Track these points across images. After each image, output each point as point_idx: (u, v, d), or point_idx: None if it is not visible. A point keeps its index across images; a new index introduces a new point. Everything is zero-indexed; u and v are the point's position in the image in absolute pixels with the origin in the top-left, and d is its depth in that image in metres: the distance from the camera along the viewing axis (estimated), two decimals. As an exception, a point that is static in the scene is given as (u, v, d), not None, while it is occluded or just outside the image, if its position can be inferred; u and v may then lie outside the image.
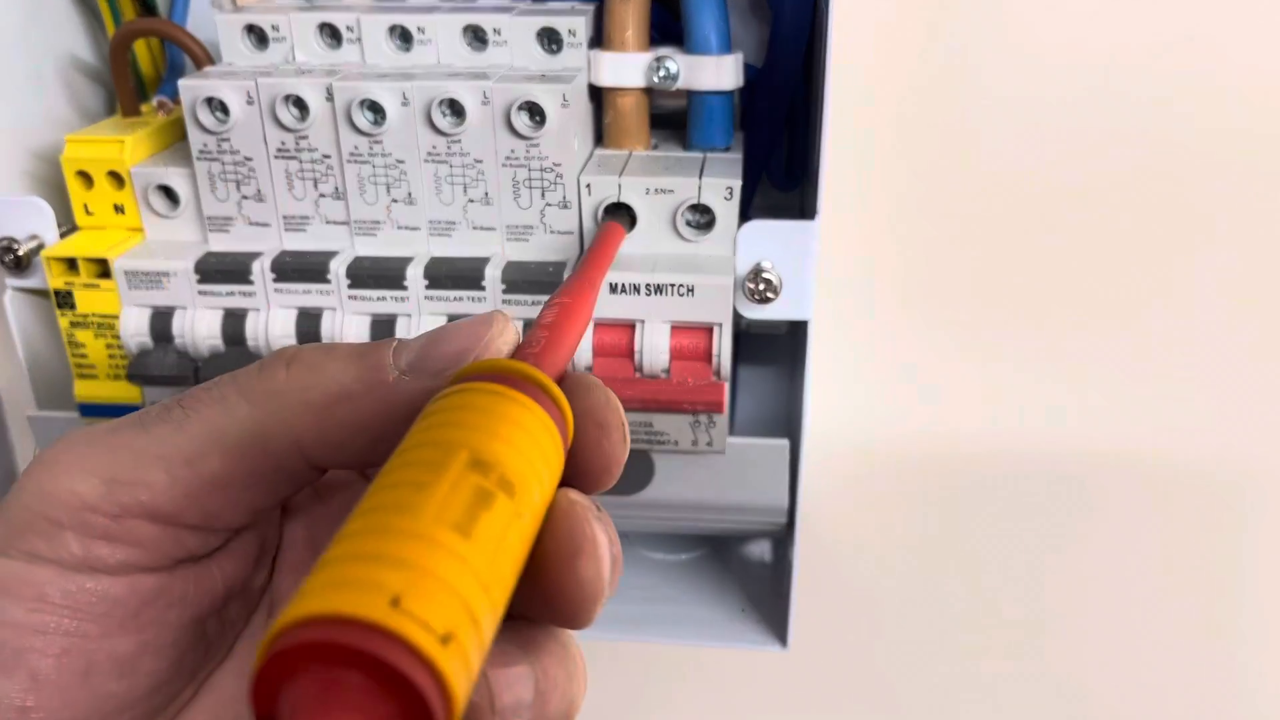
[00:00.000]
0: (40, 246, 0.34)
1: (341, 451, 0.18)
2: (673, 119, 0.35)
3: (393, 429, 0.17)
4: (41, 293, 0.35)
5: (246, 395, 0.17)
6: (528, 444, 0.16)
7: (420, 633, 0.12)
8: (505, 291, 0.31)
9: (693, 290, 0.31)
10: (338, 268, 0.32)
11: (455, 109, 0.30)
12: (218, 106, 0.31)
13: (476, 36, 0.32)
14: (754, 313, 0.32)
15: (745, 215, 0.32)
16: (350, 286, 0.32)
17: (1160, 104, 0.34)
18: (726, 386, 0.32)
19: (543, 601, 0.17)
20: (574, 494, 0.17)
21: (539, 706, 0.17)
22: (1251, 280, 0.36)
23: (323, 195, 0.32)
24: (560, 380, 0.19)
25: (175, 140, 0.35)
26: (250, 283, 0.32)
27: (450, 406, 0.16)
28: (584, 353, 0.32)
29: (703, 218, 0.32)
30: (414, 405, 0.17)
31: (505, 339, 0.18)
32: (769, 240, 0.31)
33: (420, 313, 0.32)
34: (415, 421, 0.16)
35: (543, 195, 0.31)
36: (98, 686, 0.17)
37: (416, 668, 0.12)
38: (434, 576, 0.13)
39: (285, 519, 0.21)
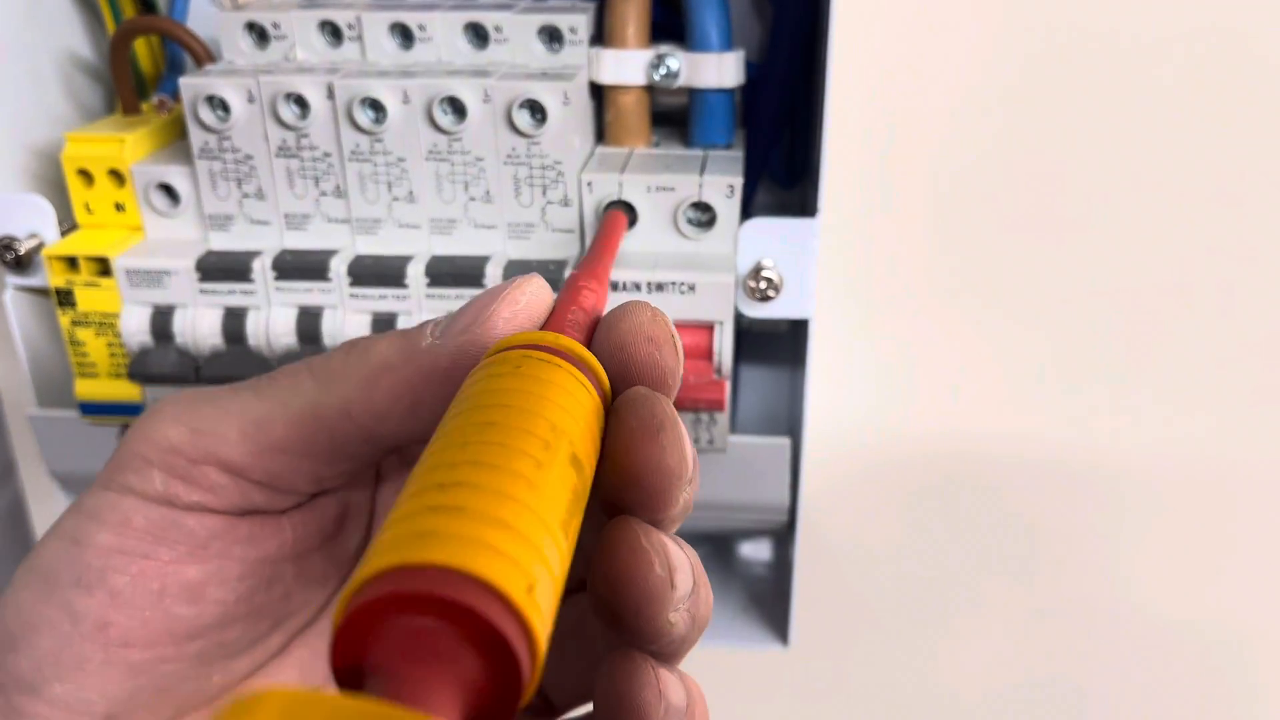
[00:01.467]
0: (41, 245, 0.34)
1: (387, 420, 0.19)
2: (674, 116, 0.35)
3: (428, 392, 0.19)
4: (42, 291, 0.35)
5: (313, 374, 0.20)
6: (587, 424, 0.16)
7: (511, 584, 0.12)
8: (506, 289, 0.31)
9: (694, 288, 0.31)
10: (339, 266, 0.32)
11: (456, 107, 0.30)
12: (218, 104, 0.31)
13: (477, 34, 0.32)
14: (755, 311, 0.32)
15: (747, 213, 0.32)
16: (351, 285, 0.32)
17: (1167, 101, 0.34)
18: (728, 384, 0.32)
19: (631, 485, 0.17)
20: (648, 388, 0.18)
21: (694, 600, 0.18)
22: (1257, 280, 0.36)
23: (323, 193, 0.32)
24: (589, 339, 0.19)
25: (176, 138, 0.35)
26: (251, 281, 0.32)
27: (519, 373, 0.16)
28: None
29: (704, 215, 0.32)
30: (442, 366, 0.19)
31: (524, 291, 0.19)
32: (770, 238, 0.31)
33: (421, 311, 0.32)
34: (477, 373, 0.17)
35: (544, 193, 0.31)
36: (169, 608, 0.19)
37: (506, 618, 0.12)
38: (517, 531, 0.13)
39: (380, 489, 0.23)
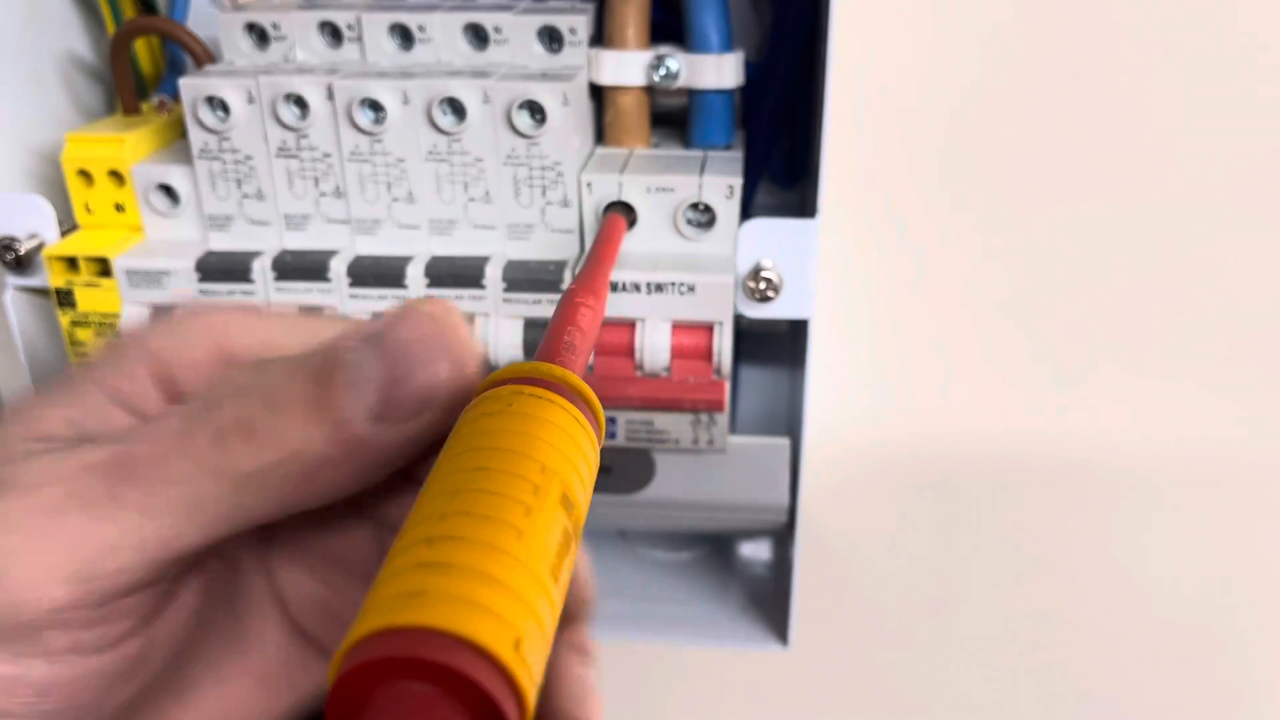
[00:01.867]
0: (41, 245, 0.34)
1: (347, 489, 0.17)
2: (674, 117, 0.35)
3: (382, 470, 0.16)
4: (42, 291, 0.35)
5: (212, 474, 0.15)
6: (579, 460, 0.16)
7: (499, 643, 0.12)
8: (506, 290, 0.31)
9: (693, 289, 0.31)
10: (338, 266, 0.32)
11: (456, 108, 0.30)
12: (218, 105, 0.31)
13: (477, 35, 0.32)
14: (755, 311, 0.32)
15: (747, 213, 0.32)
16: (351, 285, 0.32)
17: (1167, 101, 0.34)
18: (727, 385, 0.32)
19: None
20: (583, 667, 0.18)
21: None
22: (1254, 280, 0.36)
23: (323, 194, 0.32)
24: None
25: (176, 139, 0.35)
26: (251, 281, 0.32)
27: (510, 411, 0.16)
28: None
29: (703, 216, 0.32)
30: (401, 451, 0.16)
31: (458, 336, 0.16)
32: (769, 239, 0.31)
33: (421, 311, 0.32)
34: (469, 411, 0.16)
35: (543, 194, 0.31)
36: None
37: (494, 679, 0.12)
38: (505, 585, 0.13)
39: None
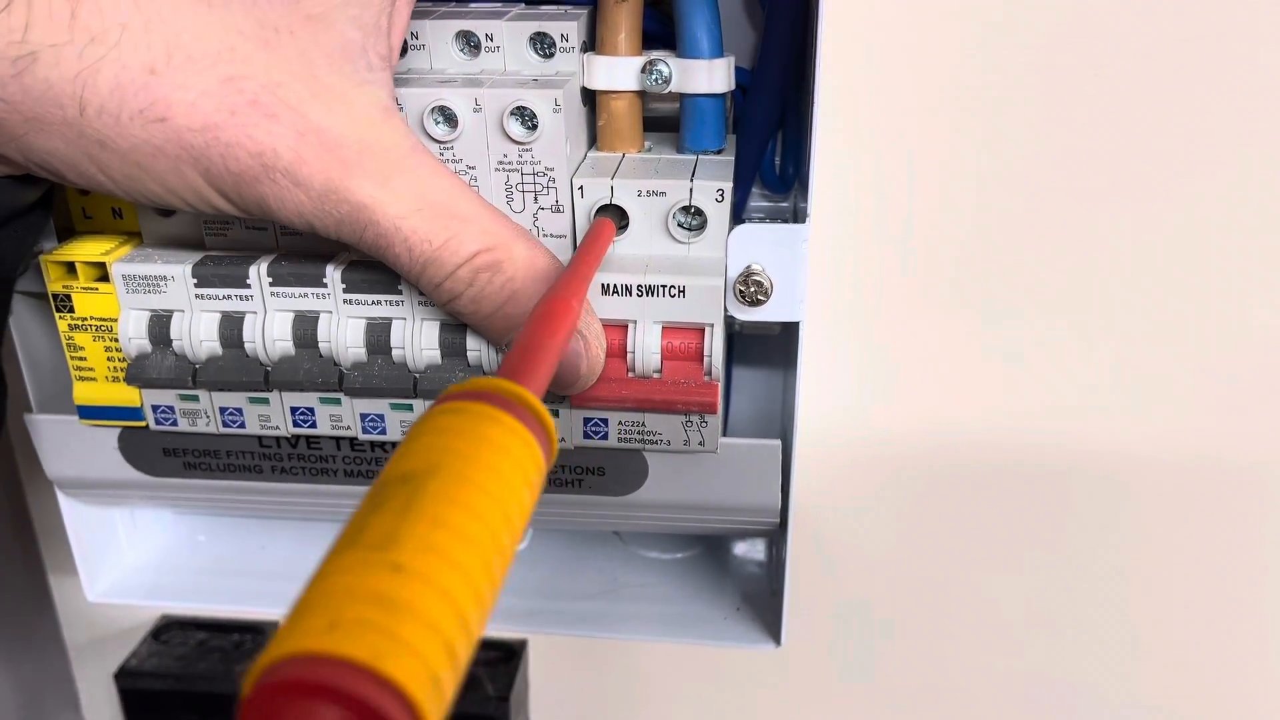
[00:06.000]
0: (39, 250, 0.34)
1: None
2: (667, 122, 0.35)
3: None
4: (40, 296, 0.36)
5: None
6: (523, 486, 0.17)
7: (417, 683, 0.13)
8: (499, 294, 0.31)
9: (684, 291, 0.31)
10: (333, 273, 0.32)
11: (447, 116, 0.31)
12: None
13: (469, 42, 0.32)
14: (746, 315, 0.32)
15: (740, 218, 0.32)
16: (345, 291, 0.32)
17: (1160, 102, 0.34)
18: (719, 387, 0.32)
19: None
20: None
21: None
22: (1251, 276, 0.36)
23: (318, 199, 0.32)
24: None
25: (172, 145, 0.35)
26: (247, 286, 0.32)
27: (465, 431, 0.17)
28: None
29: (694, 219, 0.32)
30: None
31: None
32: (760, 244, 0.31)
33: (414, 317, 0.32)
34: (405, 442, 0.17)
35: (535, 199, 0.32)
36: None
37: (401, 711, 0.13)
38: (429, 623, 0.14)
39: None
